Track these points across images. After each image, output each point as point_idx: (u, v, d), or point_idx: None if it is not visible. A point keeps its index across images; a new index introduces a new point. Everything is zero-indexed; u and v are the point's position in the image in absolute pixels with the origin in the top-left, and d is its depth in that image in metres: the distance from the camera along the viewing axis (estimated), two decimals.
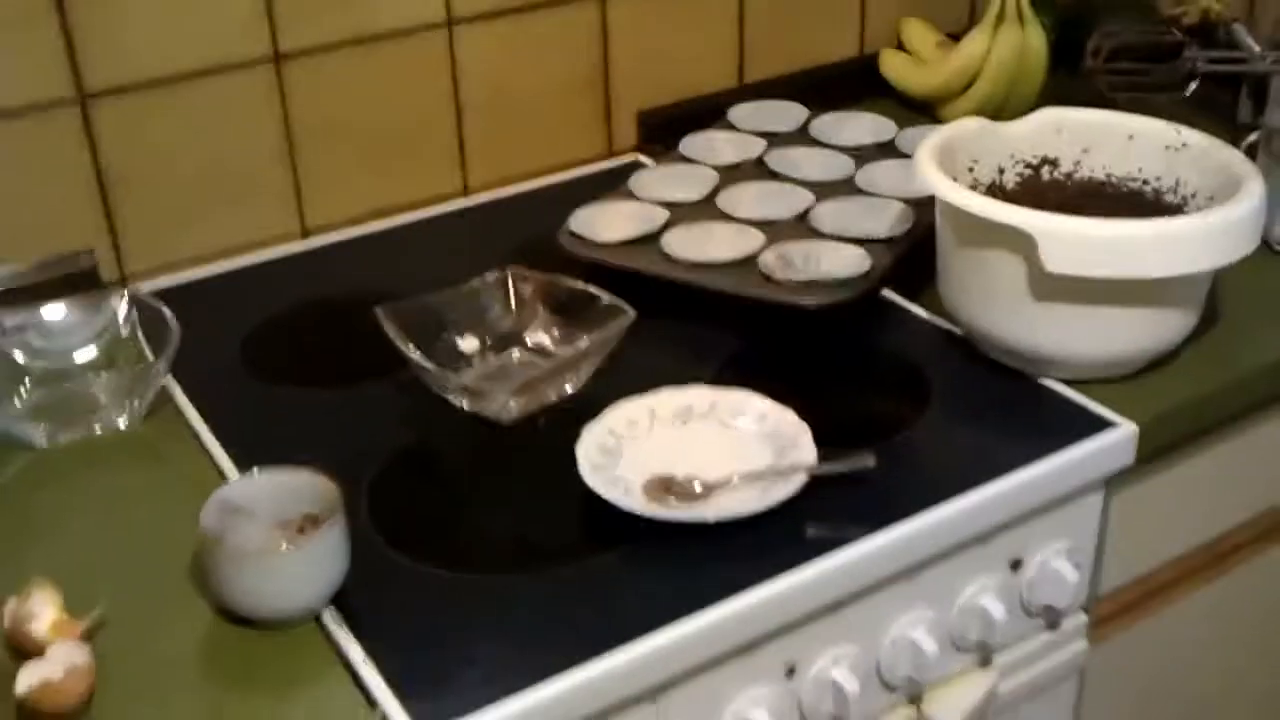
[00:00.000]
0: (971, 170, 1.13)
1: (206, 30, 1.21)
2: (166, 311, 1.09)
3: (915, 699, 1.02)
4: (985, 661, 1.06)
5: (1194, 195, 1.08)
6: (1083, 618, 1.12)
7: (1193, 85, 1.30)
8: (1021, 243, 0.97)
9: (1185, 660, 1.29)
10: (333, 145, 1.30)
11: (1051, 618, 1.09)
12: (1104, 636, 1.17)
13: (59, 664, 0.79)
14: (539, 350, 1.12)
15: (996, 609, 1.01)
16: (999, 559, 1.02)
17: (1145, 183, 1.12)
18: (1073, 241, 0.96)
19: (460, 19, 1.33)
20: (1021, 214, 0.97)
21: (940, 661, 1.00)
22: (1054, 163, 1.15)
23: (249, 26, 1.23)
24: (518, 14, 1.36)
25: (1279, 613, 1.35)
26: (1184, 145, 1.10)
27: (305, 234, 1.33)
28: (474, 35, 1.34)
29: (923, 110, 1.52)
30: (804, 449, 0.97)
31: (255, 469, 0.90)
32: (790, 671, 0.94)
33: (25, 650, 0.82)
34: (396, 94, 1.32)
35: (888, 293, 1.20)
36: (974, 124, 1.14)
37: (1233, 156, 1.06)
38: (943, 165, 1.06)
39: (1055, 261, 0.96)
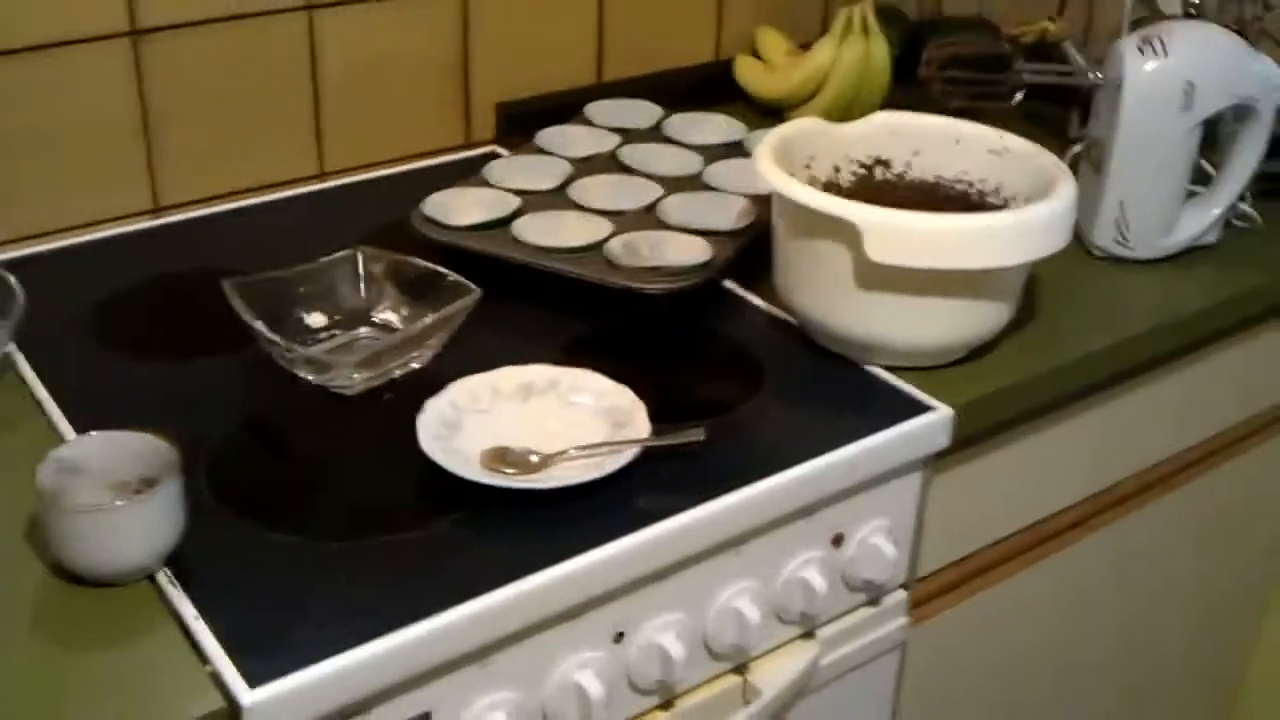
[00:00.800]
0: (808, 167, 1.18)
1: (61, 4, 1.21)
2: (12, 279, 1.09)
3: (741, 668, 1.07)
4: (809, 634, 1.11)
5: (1014, 197, 1.15)
6: (903, 595, 1.18)
7: (1019, 96, 1.37)
8: (848, 234, 1.03)
9: (1004, 642, 1.36)
10: (189, 123, 1.31)
11: (872, 593, 1.14)
12: (925, 615, 1.23)
13: None
14: (387, 328, 1.14)
15: (818, 582, 1.06)
16: (821, 534, 1.07)
17: (970, 184, 1.19)
18: (895, 233, 1.01)
19: (320, 3, 1.34)
20: (848, 206, 1.02)
21: (765, 632, 1.05)
22: (886, 163, 1.21)
23: (104, 2, 1.23)
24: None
25: (1094, 597, 1.43)
26: (1006, 150, 1.17)
27: (158, 210, 1.33)
28: (335, 19, 1.36)
29: (773, 115, 1.57)
30: (639, 424, 1.01)
31: (93, 431, 0.91)
32: (618, 637, 0.97)
33: None
34: (254, 74, 1.33)
35: (729, 283, 1.25)
36: (811, 123, 1.19)
37: (1049, 161, 1.13)
38: (781, 162, 1.11)
39: (879, 252, 1.02)
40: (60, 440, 1.00)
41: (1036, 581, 1.34)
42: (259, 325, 1.05)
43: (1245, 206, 1.36)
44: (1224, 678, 1.75)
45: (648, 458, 0.99)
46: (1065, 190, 1.07)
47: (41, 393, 1.06)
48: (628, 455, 0.97)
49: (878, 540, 1.10)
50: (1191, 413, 1.40)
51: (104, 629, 0.84)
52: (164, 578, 0.87)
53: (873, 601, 1.15)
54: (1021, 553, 1.31)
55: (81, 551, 0.85)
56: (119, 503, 0.85)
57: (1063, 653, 1.44)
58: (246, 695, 0.79)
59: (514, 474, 0.97)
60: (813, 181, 1.17)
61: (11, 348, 1.09)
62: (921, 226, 1.02)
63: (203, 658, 0.82)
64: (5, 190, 1.24)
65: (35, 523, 0.90)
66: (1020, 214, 1.04)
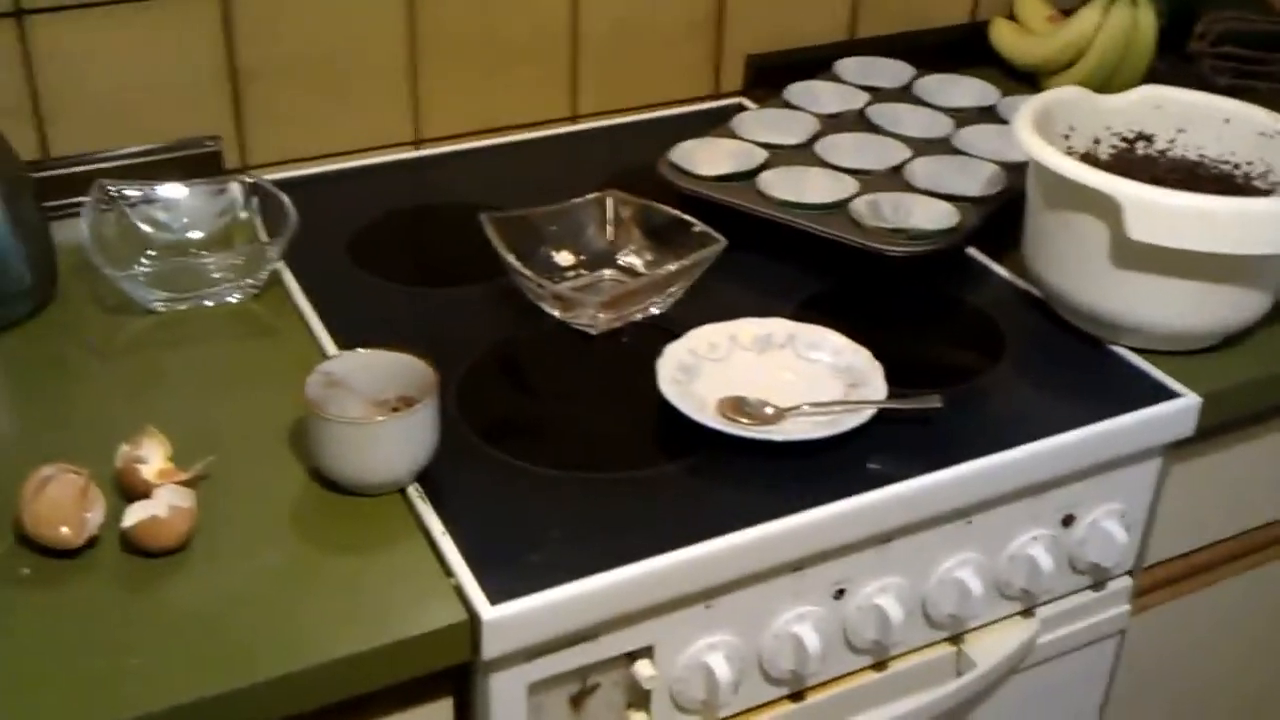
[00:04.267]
0: (1067, 138, 1.15)
1: None
2: (285, 199, 1.15)
3: (956, 638, 1.07)
4: (1028, 611, 1.10)
5: None
6: (1128, 582, 1.15)
7: None
8: (1108, 209, 1.00)
9: (1225, 640, 1.32)
10: (454, 59, 1.36)
11: (1097, 577, 1.12)
12: (1147, 605, 1.21)
13: (163, 504, 0.86)
14: (630, 271, 1.17)
15: (1045, 560, 1.04)
16: (1052, 513, 1.06)
17: (1236, 166, 1.14)
18: (1157, 211, 0.99)
19: None
20: (1110, 180, 1.00)
21: (984, 605, 1.04)
22: (1149, 139, 1.17)
23: None
24: None
25: None
26: (1278, 133, 1.12)
27: (419, 143, 1.38)
28: None
29: (1027, 81, 1.54)
30: (875, 386, 1.01)
31: (359, 348, 0.96)
32: (839, 594, 0.98)
33: (134, 491, 0.89)
34: (520, 16, 1.37)
35: (973, 252, 1.23)
36: (1074, 92, 1.16)
37: None
38: (1040, 129, 1.09)
39: (1139, 230, 0.99)
40: (321, 353, 1.06)
41: (1266, 584, 1.29)
42: (512, 259, 1.09)
43: None
44: None
45: (881, 420, 0.99)
46: None
47: (305, 307, 1.12)
48: (863, 415, 0.98)
49: (1109, 525, 1.07)
50: None
51: (355, 535, 0.89)
52: (414, 492, 0.92)
53: (1097, 585, 1.13)
54: (1253, 551, 1.27)
55: (341, 461, 0.90)
56: (380, 418, 0.90)
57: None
58: (488, 610, 0.83)
59: (748, 424, 0.98)
60: (1070, 152, 1.15)
61: (281, 265, 1.16)
62: (1185, 206, 0.99)
63: (447, 570, 0.86)
64: (280, 113, 1.30)
65: (299, 429, 0.96)
66: None
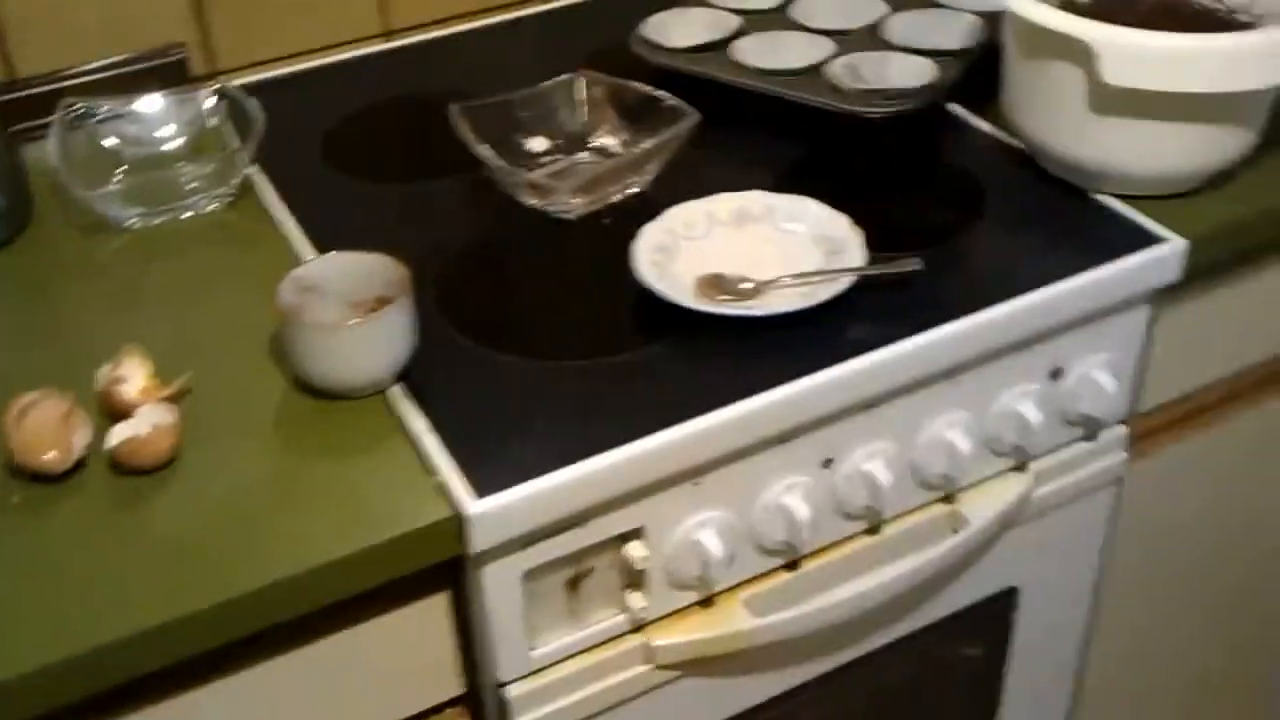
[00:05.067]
0: None
1: None
2: (252, 103, 1.14)
3: (950, 497, 1.07)
4: (1021, 466, 1.10)
5: (1266, 15, 1.07)
6: (1122, 430, 1.15)
7: None
8: (1083, 54, 0.98)
9: (1225, 484, 1.32)
10: None
11: (1090, 428, 1.12)
12: (1145, 450, 1.21)
13: (146, 422, 0.87)
14: (606, 152, 1.15)
15: (1034, 415, 1.04)
16: (1039, 367, 1.05)
17: (1220, 1, 1.11)
18: (1132, 54, 0.96)
19: None
20: (1082, 24, 0.98)
21: (975, 462, 1.05)
22: None
23: None
24: None
25: None
26: None
27: (388, 34, 1.36)
28: None
29: None
30: (854, 253, 1.01)
31: (331, 251, 0.96)
32: (827, 463, 0.99)
33: (116, 412, 0.89)
34: None
35: (955, 107, 1.21)
36: None
37: None
38: None
39: (1113, 74, 0.97)
40: (298, 258, 1.06)
41: (1266, 422, 1.29)
42: (483, 149, 1.08)
43: None
44: None
45: (863, 287, 0.98)
46: None
47: (281, 212, 1.12)
48: (841, 284, 0.97)
49: (1098, 375, 1.07)
50: None
51: (340, 439, 0.90)
52: (398, 391, 0.92)
53: (1090, 436, 1.13)
54: (1250, 391, 1.26)
55: (319, 366, 0.90)
56: (353, 321, 0.90)
57: None
58: (473, 504, 0.84)
59: (727, 300, 0.98)
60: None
61: (253, 169, 1.15)
62: (1159, 45, 0.96)
63: (428, 469, 0.87)
64: (240, 17, 1.28)
65: (278, 338, 0.96)
66: (1267, 34, 0.97)
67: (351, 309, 0.94)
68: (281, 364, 0.95)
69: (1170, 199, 1.07)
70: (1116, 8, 1.12)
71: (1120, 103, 1.00)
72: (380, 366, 0.91)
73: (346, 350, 0.90)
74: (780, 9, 1.29)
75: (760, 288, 0.99)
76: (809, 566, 1.02)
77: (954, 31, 1.22)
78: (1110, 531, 1.22)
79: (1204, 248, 1.05)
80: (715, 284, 0.99)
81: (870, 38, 1.23)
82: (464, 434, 0.89)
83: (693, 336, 0.96)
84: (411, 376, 0.93)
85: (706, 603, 0.98)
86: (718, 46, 1.23)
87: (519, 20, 1.40)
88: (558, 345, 0.97)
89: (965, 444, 1.02)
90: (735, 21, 1.26)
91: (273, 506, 0.85)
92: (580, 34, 1.36)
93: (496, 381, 0.94)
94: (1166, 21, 1.10)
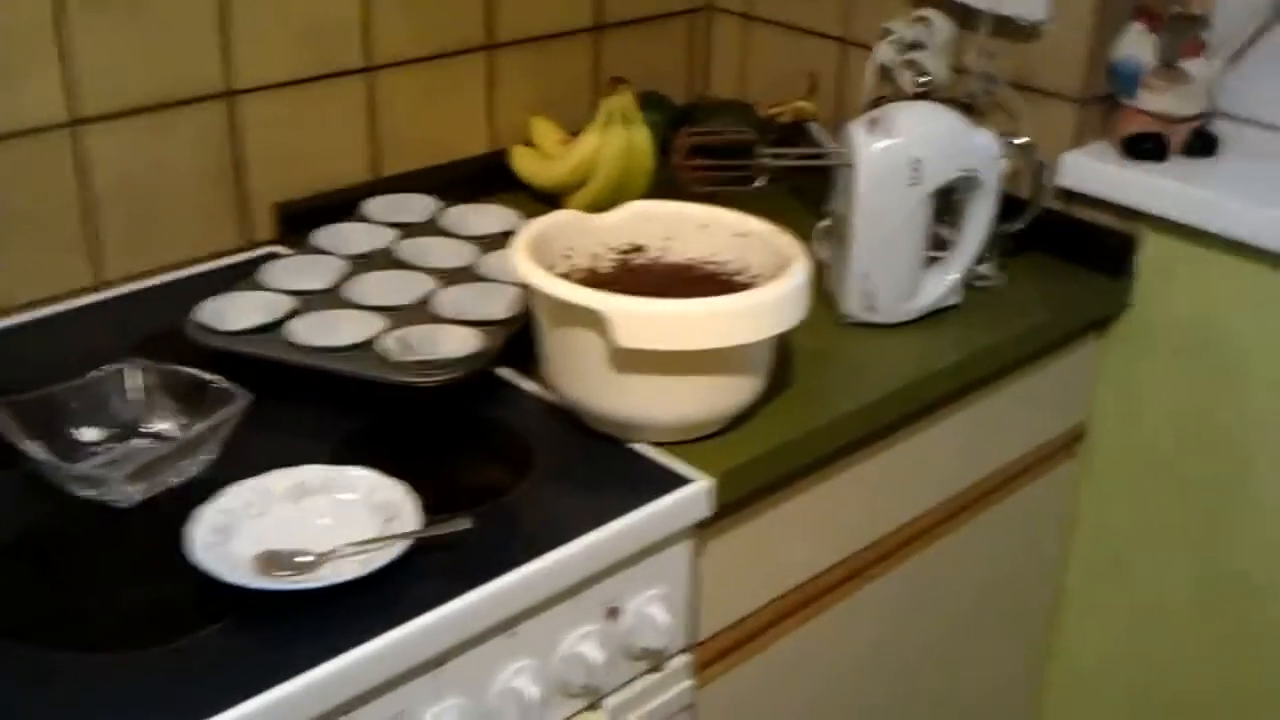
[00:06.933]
0: (569, 257, 1.24)
1: None
2: None
3: None
4: (595, 705, 1.16)
5: (760, 275, 1.22)
6: (686, 659, 1.23)
7: (761, 180, 1.46)
8: (598, 322, 1.09)
9: (795, 695, 1.42)
10: None
11: (654, 659, 1.19)
12: (711, 676, 1.29)
13: None
14: (161, 438, 1.16)
15: (596, 654, 1.10)
16: (595, 608, 1.12)
17: (720, 265, 1.26)
18: (639, 319, 1.08)
19: (86, 118, 1.36)
20: (593, 295, 1.09)
21: (548, 708, 1.09)
22: (642, 249, 1.27)
23: None
24: (146, 113, 1.40)
25: (879, 645, 1.51)
26: (749, 232, 1.24)
27: None
28: (101, 133, 1.38)
29: (550, 202, 1.63)
30: (408, 518, 1.05)
31: None
32: None
33: None
34: (18, 193, 1.34)
35: (504, 371, 1.30)
36: (567, 215, 1.25)
37: (785, 240, 1.21)
38: (538, 253, 1.17)
39: (626, 337, 1.08)
40: None
41: (822, 633, 1.41)
42: (27, 444, 1.06)
43: (984, 269, 1.47)
44: (1019, 700, 1.84)
45: (420, 549, 1.03)
46: (798, 268, 1.15)
47: None
48: (396, 550, 1.01)
49: (652, 609, 1.15)
50: (951, 463, 1.49)
51: None
52: None
53: (655, 668, 1.20)
54: (802, 607, 1.38)
55: None
56: None
57: (855, 697, 1.51)
58: None
59: (285, 575, 1.00)
60: (574, 270, 1.23)
61: None
62: (662, 311, 1.08)
63: None
64: None
65: None
66: (753, 295, 1.12)
67: None
68: None
69: (697, 442, 1.19)
70: (634, 275, 1.25)
71: (638, 362, 1.11)
72: None
73: None
74: (334, 289, 1.35)
75: (320, 559, 1.02)
76: None
77: (498, 302, 1.32)
78: None
79: (730, 483, 1.17)
80: (271, 561, 1.01)
81: (420, 311, 1.31)
82: None
83: (255, 616, 0.97)
84: None
85: None
86: (273, 327, 1.27)
87: (73, 311, 1.39)
88: (114, 638, 0.95)
89: (533, 690, 1.07)
90: (289, 302, 1.31)
91: None
92: (136, 322, 1.37)
93: (54, 681, 0.91)
94: (681, 284, 1.24)
